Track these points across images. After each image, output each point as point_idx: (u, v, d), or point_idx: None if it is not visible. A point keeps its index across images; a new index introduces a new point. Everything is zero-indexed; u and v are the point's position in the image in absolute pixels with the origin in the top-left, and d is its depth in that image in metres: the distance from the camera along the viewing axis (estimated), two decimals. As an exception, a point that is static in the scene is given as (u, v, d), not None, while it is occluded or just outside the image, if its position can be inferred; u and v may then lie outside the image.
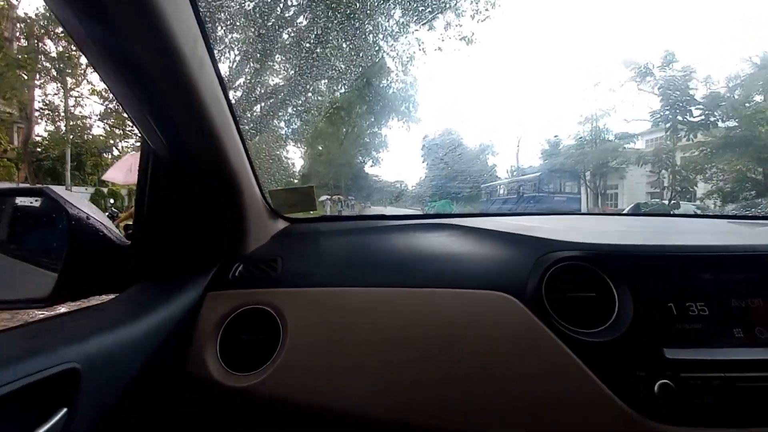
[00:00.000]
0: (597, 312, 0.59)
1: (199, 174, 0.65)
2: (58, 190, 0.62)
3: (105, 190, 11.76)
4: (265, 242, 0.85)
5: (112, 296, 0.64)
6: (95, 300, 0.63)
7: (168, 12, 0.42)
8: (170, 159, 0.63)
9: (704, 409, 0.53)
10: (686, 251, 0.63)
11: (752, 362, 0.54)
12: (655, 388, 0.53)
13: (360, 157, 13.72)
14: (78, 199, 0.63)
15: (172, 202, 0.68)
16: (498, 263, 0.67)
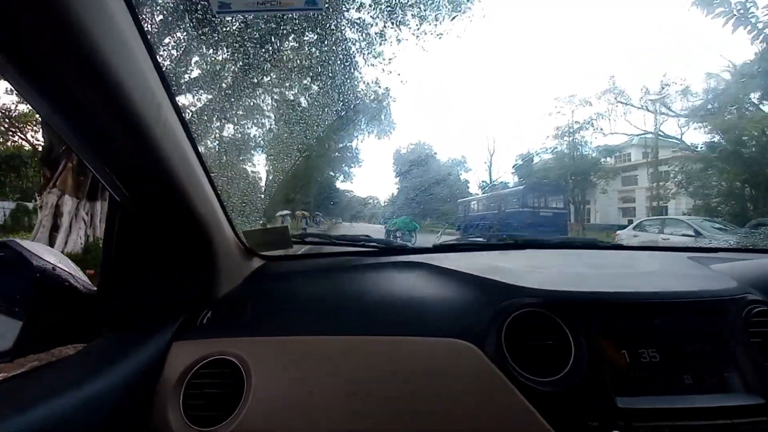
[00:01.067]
0: (555, 359, 0.61)
1: (166, 224, 0.65)
2: (23, 242, 0.63)
3: (31, 204, 10.33)
4: (239, 284, 0.85)
5: (79, 346, 0.64)
6: (68, 349, 0.63)
7: (120, 65, 0.41)
8: (136, 210, 0.63)
9: None
10: (641, 298, 0.66)
11: (700, 410, 0.57)
12: None
13: (331, 172, 13.62)
14: (44, 249, 0.64)
15: (139, 250, 0.68)
16: (461, 309, 0.70)
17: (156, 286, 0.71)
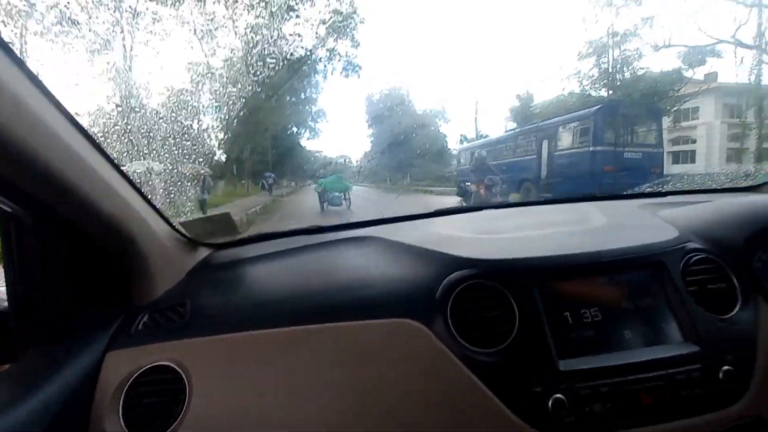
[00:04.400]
0: (501, 328, 0.61)
1: (70, 229, 0.61)
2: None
3: None
4: (180, 280, 0.78)
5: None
6: None
7: None
8: (32, 221, 0.59)
9: (594, 416, 0.56)
10: (582, 260, 0.66)
11: (638, 364, 0.58)
12: (549, 403, 0.56)
13: (294, 128, 12.36)
14: None
15: (50, 259, 0.63)
16: (409, 286, 0.68)
17: (79, 296, 0.67)
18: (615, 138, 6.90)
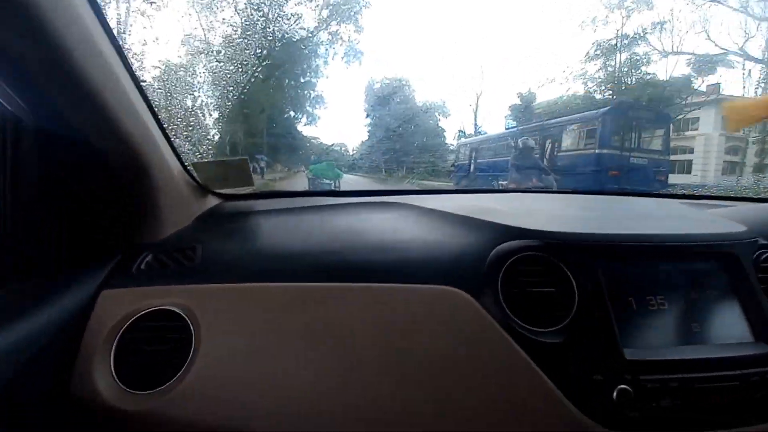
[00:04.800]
0: (556, 307, 0.56)
1: (83, 144, 0.53)
2: None
3: None
4: (187, 225, 0.74)
5: None
6: None
7: None
8: (36, 127, 0.53)
9: (662, 413, 0.52)
10: (649, 240, 0.62)
11: (708, 361, 0.54)
12: (614, 394, 0.51)
13: (291, 112, 11.94)
14: None
15: (45, 179, 0.56)
16: (452, 253, 0.62)
17: (73, 223, 0.60)
18: (622, 142, 6.60)
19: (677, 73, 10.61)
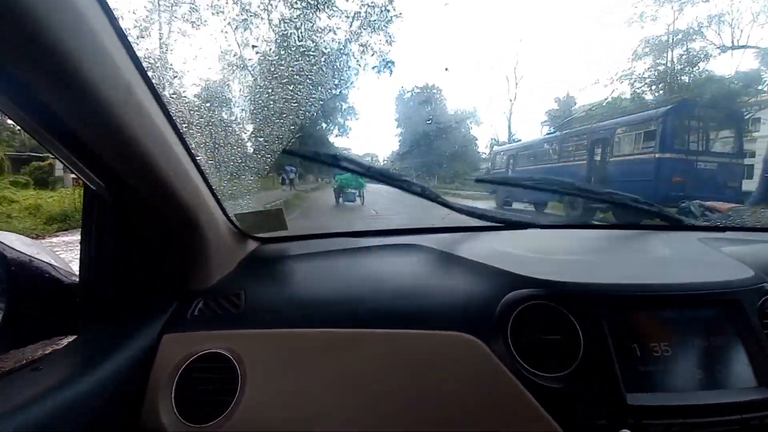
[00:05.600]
0: (563, 354, 0.59)
1: (147, 210, 0.63)
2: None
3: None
4: (232, 270, 0.82)
5: (63, 339, 0.65)
6: (53, 344, 0.64)
7: (77, 44, 0.38)
8: (113, 200, 0.62)
9: None
10: (653, 291, 0.64)
11: (712, 406, 0.56)
12: None
13: (323, 124, 12.74)
14: (20, 240, 0.67)
15: (122, 239, 0.67)
16: (466, 300, 0.67)
17: (142, 276, 0.71)
18: (687, 144, 5.75)
19: (741, 69, 9.41)
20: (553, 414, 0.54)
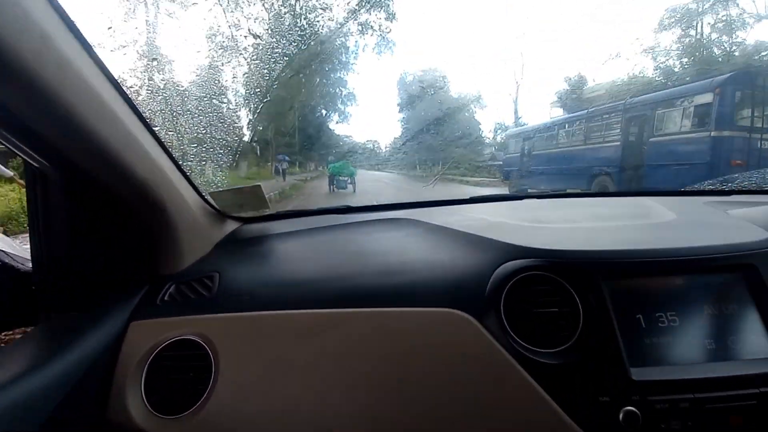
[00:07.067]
0: (561, 327, 0.56)
1: (100, 190, 0.60)
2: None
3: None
4: (207, 252, 0.79)
5: (20, 331, 0.63)
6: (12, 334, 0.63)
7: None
8: (61, 179, 0.59)
9: None
10: (657, 256, 0.60)
11: (723, 379, 0.53)
12: (620, 416, 0.51)
13: (323, 110, 11.87)
14: None
15: (74, 222, 0.64)
16: (456, 274, 0.64)
17: (104, 261, 0.67)
18: (750, 121, 4.72)
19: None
20: (550, 392, 0.52)
